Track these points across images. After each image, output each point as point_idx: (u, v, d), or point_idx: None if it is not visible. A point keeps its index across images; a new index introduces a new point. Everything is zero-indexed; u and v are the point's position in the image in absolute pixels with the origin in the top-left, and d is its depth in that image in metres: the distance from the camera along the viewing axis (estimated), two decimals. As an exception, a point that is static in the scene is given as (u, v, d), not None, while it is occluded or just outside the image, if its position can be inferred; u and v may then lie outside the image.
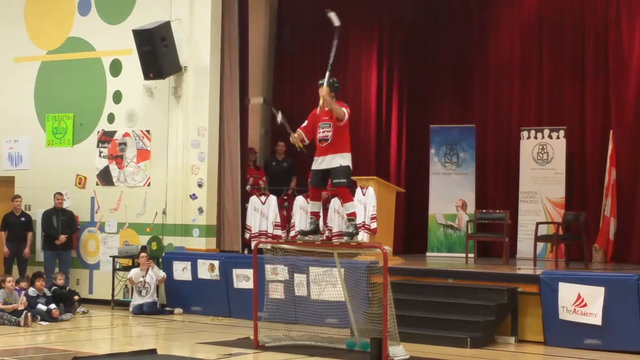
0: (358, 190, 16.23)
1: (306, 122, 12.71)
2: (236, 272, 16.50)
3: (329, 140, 12.36)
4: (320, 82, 12.42)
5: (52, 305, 15.91)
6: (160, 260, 17.39)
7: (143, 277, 16.90)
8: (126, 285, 17.66)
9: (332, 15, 12.67)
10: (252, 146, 18.91)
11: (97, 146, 18.59)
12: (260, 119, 19.78)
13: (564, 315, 13.37)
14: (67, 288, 16.97)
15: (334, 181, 12.38)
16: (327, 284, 14.64)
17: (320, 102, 12.50)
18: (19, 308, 15.52)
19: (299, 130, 12.67)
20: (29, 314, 15.39)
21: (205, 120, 17.54)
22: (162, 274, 17.04)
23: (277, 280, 15.35)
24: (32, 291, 16.06)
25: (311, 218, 12.89)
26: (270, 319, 13.87)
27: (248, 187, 18.03)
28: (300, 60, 20.30)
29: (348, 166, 12.37)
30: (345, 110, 12.32)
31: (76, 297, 16.86)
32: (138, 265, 17.07)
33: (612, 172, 17.48)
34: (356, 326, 13.05)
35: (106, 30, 18.59)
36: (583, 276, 13.68)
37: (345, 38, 20.06)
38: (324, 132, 12.44)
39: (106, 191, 18.44)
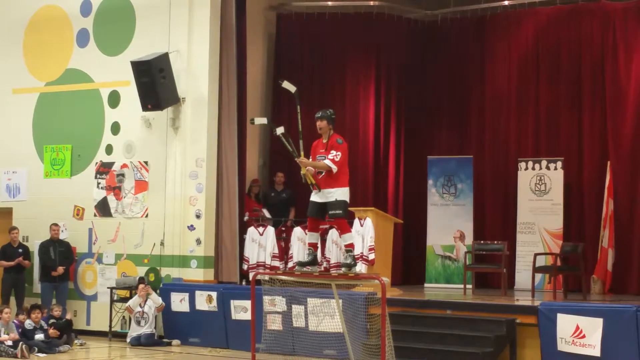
0: (356, 221, 16.22)
1: (310, 158, 12.62)
2: (234, 303, 16.46)
3: (323, 173, 12.33)
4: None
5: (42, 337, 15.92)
6: (158, 291, 17.34)
7: (141, 307, 16.86)
8: (124, 317, 17.62)
9: (287, 84, 12.70)
10: (255, 178, 18.92)
11: (95, 177, 18.59)
12: (258, 150, 19.78)
13: (562, 346, 13.32)
14: (64, 319, 16.90)
15: (330, 212, 12.35)
16: (325, 315, 14.61)
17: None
18: (7, 342, 15.44)
19: (310, 167, 12.52)
20: (25, 345, 15.32)
21: (203, 151, 17.56)
22: (160, 300, 17.00)
23: (275, 311, 15.31)
24: (29, 324, 16.01)
25: (309, 249, 12.85)
26: (268, 350, 13.83)
27: (246, 217, 17.99)
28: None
29: (344, 200, 12.34)
30: (330, 164, 12.20)
31: (68, 316, 16.81)
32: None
33: (609, 203, 17.50)
34: (354, 358, 13.00)
35: (104, 61, 18.64)
36: (581, 307, 13.64)
37: (343, 70, 20.20)
38: (320, 164, 12.43)
39: (104, 222, 18.43)
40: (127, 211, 18.19)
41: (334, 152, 12.27)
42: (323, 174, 12.31)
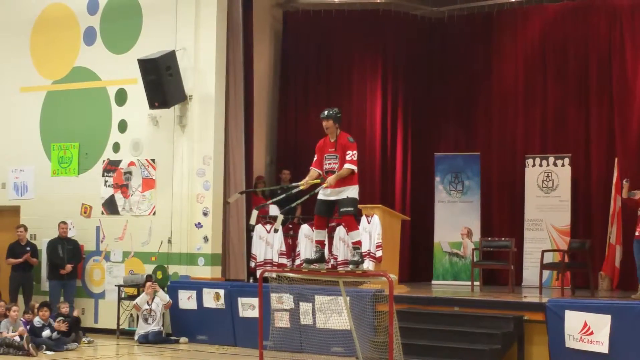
0: (363, 219, 16.22)
1: (315, 156, 12.60)
2: (241, 300, 16.47)
3: (335, 171, 12.32)
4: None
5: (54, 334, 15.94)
6: (166, 289, 17.35)
7: (149, 304, 16.88)
8: (131, 314, 17.64)
9: (231, 197, 13.00)
10: (259, 175, 18.92)
11: (103, 175, 18.61)
12: (265, 148, 19.80)
13: (570, 343, 13.31)
14: (72, 316, 16.91)
15: (341, 210, 12.35)
16: (332, 313, 14.61)
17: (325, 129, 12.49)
18: (15, 338, 15.46)
19: (313, 169, 12.53)
20: (32, 343, 15.34)
21: (210, 148, 17.57)
22: (167, 298, 17.02)
23: (283, 308, 15.32)
24: (37, 321, 16.04)
25: (316, 246, 12.86)
26: (275, 347, 13.83)
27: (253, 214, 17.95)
28: (305, 89, 20.34)
29: (355, 198, 12.34)
30: (351, 167, 12.20)
31: (76, 313, 16.82)
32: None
33: (617, 199, 17.46)
34: (362, 355, 13.00)
35: (111, 59, 18.65)
36: (589, 304, 13.63)
37: (350, 67, 20.20)
38: (330, 164, 12.37)
39: (111, 220, 18.45)
40: (135, 209, 18.20)
41: (350, 152, 12.22)
42: (335, 171, 12.29)
